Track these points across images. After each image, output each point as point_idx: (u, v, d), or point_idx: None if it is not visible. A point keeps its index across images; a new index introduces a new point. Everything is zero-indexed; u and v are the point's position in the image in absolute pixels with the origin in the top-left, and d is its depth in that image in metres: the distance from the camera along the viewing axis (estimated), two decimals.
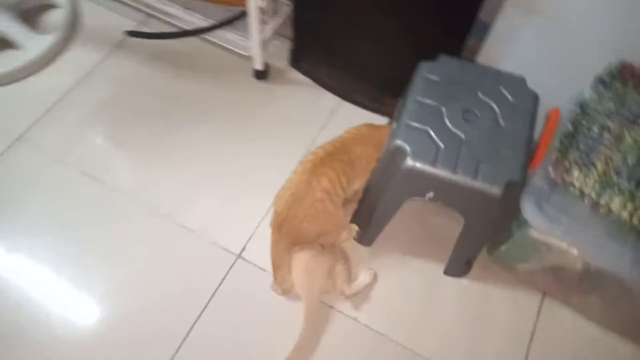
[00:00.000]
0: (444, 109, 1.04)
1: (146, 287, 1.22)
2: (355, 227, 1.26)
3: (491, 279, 1.28)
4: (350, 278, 1.22)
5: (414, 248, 1.32)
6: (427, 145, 1.00)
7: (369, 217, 1.22)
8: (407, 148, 0.99)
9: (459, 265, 1.25)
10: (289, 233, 1.11)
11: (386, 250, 1.30)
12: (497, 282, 1.28)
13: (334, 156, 1.14)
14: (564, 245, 1.08)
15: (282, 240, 1.12)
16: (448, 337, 1.21)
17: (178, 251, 1.28)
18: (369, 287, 1.25)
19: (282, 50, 1.60)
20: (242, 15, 1.43)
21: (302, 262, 1.14)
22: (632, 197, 1.00)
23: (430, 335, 1.20)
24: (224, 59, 1.60)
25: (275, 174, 1.22)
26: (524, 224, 1.11)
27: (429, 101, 1.05)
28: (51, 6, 1.67)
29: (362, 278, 1.24)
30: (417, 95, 1.06)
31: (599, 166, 1.04)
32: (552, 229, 1.00)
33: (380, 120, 1.48)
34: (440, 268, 1.29)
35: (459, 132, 1.01)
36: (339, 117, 1.51)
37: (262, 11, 1.35)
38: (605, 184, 1.02)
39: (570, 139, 1.07)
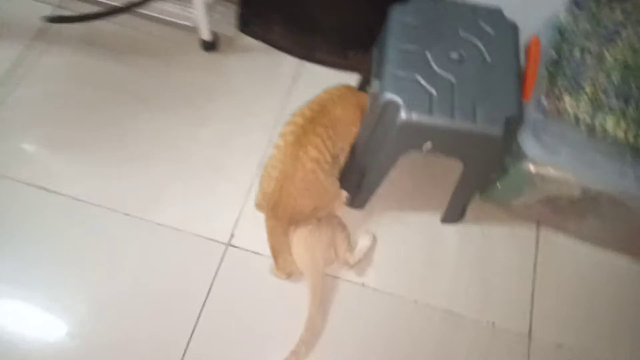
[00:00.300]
0: (428, 53, 0.97)
1: (136, 297, 1.11)
2: (344, 193, 1.20)
3: (486, 219, 1.27)
4: (350, 245, 1.16)
5: (406, 203, 1.28)
6: (419, 95, 0.93)
7: (358, 180, 1.16)
8: (399, 100, 0.92)
9: (456, 211, 1.23)
10: (285, 214, 1.03)
11: (379, 209, 1.26)
12: (492, 221, 1.27)
13: (315, 121, 1.06)
14: (559, 175, 1.07)
15: (280, 224, 1.04)
16: (457, 283, 1.19)
17: (162, 251, 1.17)
18: (371, 250, 1.20)
19: (227, 16, 1.46)
20: None
21: (300, 240, 1.07)
22: (624, 115, 1.00)
23: (440, 284, 1.19)
24: (166, 35, 1.44)
25: (248, 153, 1.13)
26: (518, 159, 1.09)
27: (410, 47, 0.98)
28: None
29: (362, 243, 1.18)
30: (396, 42, 0.99)
31: (588, 89, 1.02)
32: (553, 159, 0.99)
33: (347, 76, 1.39)
34: (436, 218, 1.26)
35: (448, 75, 0.96)
36: (303, 81, 1.41)
37: None
38: (597, 106, 1.01)
39: (555, 66, 1.04)
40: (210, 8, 1.33)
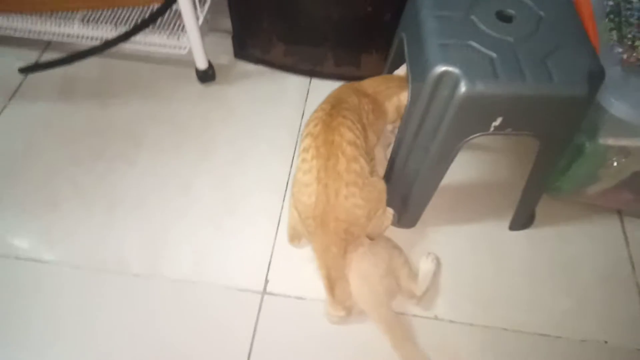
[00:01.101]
0: (473, 17, 0.82)
1: None
2: (390, 211, 1.00)
3: (560, 219, 1.08)
4: (412, 272, 0.94)
5: (463, 213, 1.08)
6: (478, 60, 0.77)
7: (405, 191, 0.97)
8: (456, 70, 0.75)
9: (526, 212, 1.03)
10: (339, 223, 0.82)
11: (432, 225, 1.05)
12: (567, 220, 1.08)
13: (338, 107, 0.89)
14: None
15: (335, 239, 0.83)
16: (545, 300, 0.97)
17: (189, 311, 0.93)
18: (436, 275, 0.98)
19: (220, 46, 1.32)
20: (160, 11, 1.13)
21: (353, 266, 0.86)
22: None
23: (525, 304, 0.96)
24: (155, 72, 1.29)
25: (268, 186, 0.94)
26: (594, 133, 0.91)
27: (451, 13, 0.83)
28: None
29: (425, 267, 0.97)
30: (433, 11, 0.84)
31: None
32: None
33: None
34: (500, 226, 1.06)
35: (504, 36, 0.80)
36: (314, 97, 1.24)
37: None
38: None
39: (617, 15, 0.89)
40: (202, 34, 1.18)
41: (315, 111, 0.91)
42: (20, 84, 1.25)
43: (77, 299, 0.95)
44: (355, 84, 0.99)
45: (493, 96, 0.76)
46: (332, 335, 0.91)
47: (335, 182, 0.81)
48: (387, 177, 1.01)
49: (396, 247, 0.95)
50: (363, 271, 0.86)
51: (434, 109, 0.81)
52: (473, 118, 0.79)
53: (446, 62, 0.76)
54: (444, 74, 0.76)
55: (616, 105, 0.81)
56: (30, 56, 1.30)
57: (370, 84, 0.98)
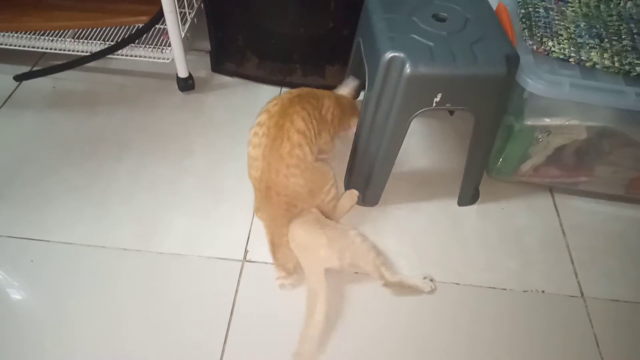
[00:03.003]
0: (414, 18, 1.01)
1: (159, 333, 0.95)
2: (355, 192, 1.14)
3: (501, 196, 1.24)
4: (381, 258, 1.03)
5: (418, 194, 1.23)
6: (419, 48, 0.94)
7: (367, 172, 1.12)
8: (402, 54, 0.92)
9: (471, 187, 1.19)
10: (280, 197, 0.94)
11: (393, 204, 1.20)
12: (508, 196, 1.24)
13: (302, 97, 1.02)
14: (562, 122, 1.09)
15: (276, 210, 0.94)
16: (491, 260, 1.12)
17: (176, 280, 1.03)
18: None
19: (198, 63, 1.48)
20: (146, 28, 1.29)
21: (290, 235, 0.97)
22: (604, 49, 1.05)
23: (474, 263, 1.11)
24: (138, 84, 1.43)
25: (243, 175, 1.05)
26: (520, 115, 1.10)
27: (396, 16, 1.02)
28: None
29: (416, 283, 1.04)
30: (381, 15, 1.02)
31: (564, 34, 1.08)
32: (558, 92, 1.00)
33: None
34: (451, 203, 1.22)
35: (439, 31, 0.98)
36: None
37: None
38: (577, 45, 1.06)
39: (528, 19, 1.11)
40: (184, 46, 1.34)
41: (285, 92, 1.04)
42: (11, 94, 1.36)
43: (70, 270, 1.03)
44: (335, 93, 1.15)
45: (432, 75, 0.93)
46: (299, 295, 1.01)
47: (277, 162, 0.93)
48: (351, 162, 1.17)
49: (360, 234, 1.03)
50: (297, 239, 0.97)
51: (386, 90, 0.98)
52: (418, 95, 0.96)
53: (394, 49, 0.94)
54: (393, 58, 0.93)
55: (531, 84, 1.00)
56: (23, 69, 1.41)
57: (341, 101, 1.14)
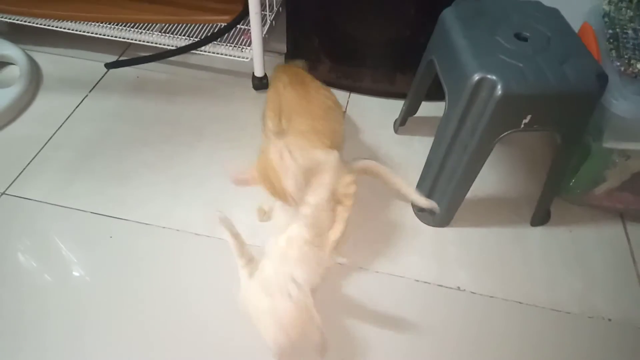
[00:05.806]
0: (498, 37, 1.00)
1: (227, 317, 0.99)
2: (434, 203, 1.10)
3: (571, 218, 1.21)
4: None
5: (485, 212, 1.22)
6: (508, 68, 0.93)
7: (442, 192, 1.11)
8: (493, 77, 0.91)
9: (545, 208, 1.17)
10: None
11: (463, 224, 1.19)
12: (577, 219, 1.21)
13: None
14: None
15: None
16: (556, 280, 1.10)
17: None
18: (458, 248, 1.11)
19: (271, 63, 1.52)
20: (228, 28, 1.35)
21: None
22: None
23: (538, 283, 1.09)
24: (216, 79, 1.50)
25: None
26: (599, 135, 1.08)
27: (477, 34, 1.01)
28: (6, 64, 1.49)
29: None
30: (462, 33, 1.02)
31: None
32: None
33: (393, 103, 1.43)
34: (520, 222, 1.20)
35: (525, 50, 0.97)
36: (353, 109, 1.44)
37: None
38: None
39: (615, 39, 1.08)
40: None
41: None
42: (100, 79, 1.46)
43: (138, 246, 1.11)
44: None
45: (524, 96, 0.92)
46: None
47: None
48: (423, 184, 1.15)
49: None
50: None
51: (473, 110, 0.96)
52: (507, 116, 0.95)
53: (482, 70, 0.92)
54: (482, 80, 0.92)
55: (615, 105, 0.98)
56: (110, 58, 1.51)
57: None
